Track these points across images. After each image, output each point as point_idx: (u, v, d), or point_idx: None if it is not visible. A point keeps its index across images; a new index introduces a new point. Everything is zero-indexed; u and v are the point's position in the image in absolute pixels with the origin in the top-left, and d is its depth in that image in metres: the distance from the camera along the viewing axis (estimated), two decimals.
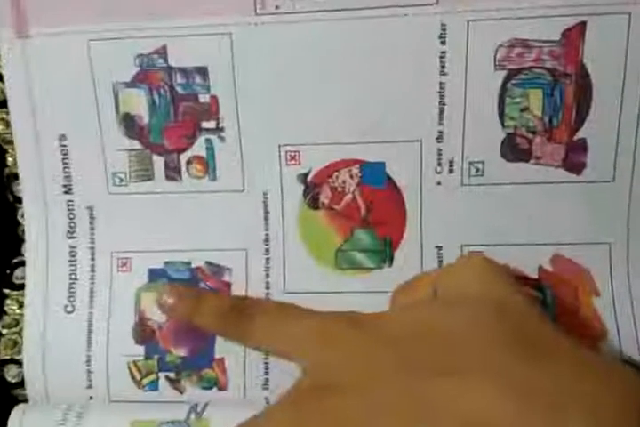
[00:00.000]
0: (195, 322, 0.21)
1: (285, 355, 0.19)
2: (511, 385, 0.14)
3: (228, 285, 0.23)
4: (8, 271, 0.24)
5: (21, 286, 0.24)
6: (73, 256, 0.24)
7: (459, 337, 0.17)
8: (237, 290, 0.23)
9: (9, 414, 0.22)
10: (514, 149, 0.22)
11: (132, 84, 0.22)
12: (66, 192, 0.24)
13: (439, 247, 0.23)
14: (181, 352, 0.23)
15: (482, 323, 0.17)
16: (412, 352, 0.16)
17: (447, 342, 0.17)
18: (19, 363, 0.24)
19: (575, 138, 0.22)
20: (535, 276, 0.22)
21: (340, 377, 0.17)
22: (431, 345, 0.17)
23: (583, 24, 0.21)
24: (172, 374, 0.23)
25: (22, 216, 0.24)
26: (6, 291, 0.24)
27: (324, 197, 0.23)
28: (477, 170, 0.22)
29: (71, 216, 0.24)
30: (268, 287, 0.23)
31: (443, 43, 0.21)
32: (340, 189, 0.23)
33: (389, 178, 0.23)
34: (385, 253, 0.23)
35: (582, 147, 0.22)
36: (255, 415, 0.17)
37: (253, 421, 0.17)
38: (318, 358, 0.18)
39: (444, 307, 0.18)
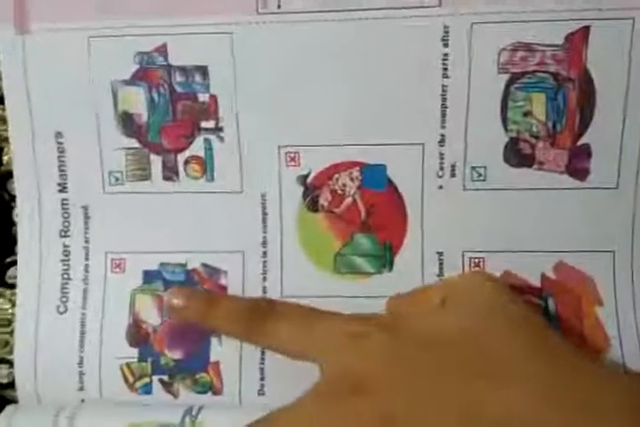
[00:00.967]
0: (207, 325, 0.21)
1: (308, 357, 0.19)
2: (539, 390, 0.16)
3: (224, 288, 0.23)
4: (1, 270, 0.24)
5: (14, 286, 0.23)
6: (66, 256, 0.23)
7: (484, 344, 0.18)
8: (233, 293, 0.23)
9: None
10: (517, 154, 0.22)
11: (131, 81, 0.22)
12: (61, 191, 0.23)
13: (440, 253, 0.22)
14: (176, 355, 0.23)
15: (503, 332, 0.18)
16: (445, 356, 0.17)
17: (474, 348, 0.17)
18: (10, 363, 0.23)
19: (579, 143, 0.21)
20: (538, 283, 0.22)
21: (372, 378, 0.17)
22: (461, 350, 0.17)
23: (587, 28, 0.21)
24: (165, 378, 0.23)
25: (17, 215, 0.24)
26: None
27: (324, 199, 0.23)
28: (479, 175, 0.22)
29: (65, 215, 0.23)
30: (264, 291, 0.23)
31: (445, 45, 0.21)
32: (340, 192, 0.23)
33: (390, 181, 0.22)
34: (385, 257, 0.23)
35: (586, 152, 0.21)
36: (278, 409, 0.17)
37: (277, 415, 0.17)
38: (349, 362, 0.18)
39: (464, 316, 0.19)
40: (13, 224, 0.24)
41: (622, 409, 0.15)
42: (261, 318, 0.20)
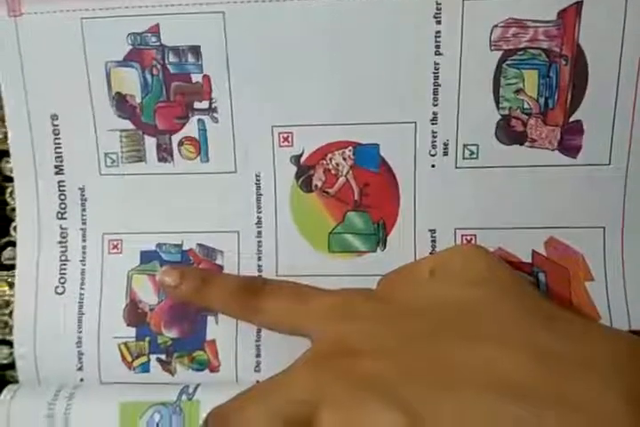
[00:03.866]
0: (202, 303, 0.22)
1: (301, 330, 0.20)
2: (536, 350, 0.16)
3: (220, 267, 0.23)
4: None
5: (11, 267, 0.24)
6: (64, 237, 0.24)
7: (479, 309, 0.18)
8: (229, 273, 0.23)
9: None
10: (509, 132, 0.22)
11: (124, 62, 0.22)
12: (57, 173, 0.23)
13: (433, 231, 0.23)
14: (173, 334, 0.23)
15: (496, 298, 0.18)
16: (437, 321, 0.17)
17: (469, 313, 0.18)
18: (9, 344, 0.24)
19: (571, 120, 0.21)
20: (529, 260, 0.22)
21: (365, 343, 0.17)
22: (455, 316, 0.18)
23: (579, 4, 0.20)
24: (163, 356, 0.23)
25: (11, 195, 0.24)
26: None
27: (318, 179, 0.23)
28: (472, 153, 0.22)
29: (62, 197, 0.23)
30: (260, 270, 0.23)
31: (438, 22, 0.21)
32: (333, 172, 0.23)
33: (383, 160, 0.22)
34: (378, 236, 0.23)
35: (578, 129, 0.22)
36: (271, 378, 0.17)
37: (269, 382, 0.17)
38: (340, 329, 0.18)
39: (455, 284, 0.19)
40: (7, 204, 0.24)
41: (620, 368, 0.15)
42: (255, 295, 0.20)
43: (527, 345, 0.16)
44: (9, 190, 0.24)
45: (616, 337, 0.17)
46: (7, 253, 0.24)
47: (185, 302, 0.23)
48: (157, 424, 0.21)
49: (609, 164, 0.22)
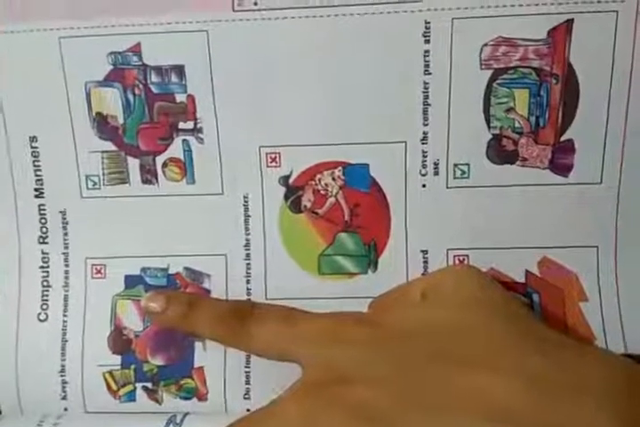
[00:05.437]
0: (188, 329, 0.21)
1: (290, 355, 0.19)
2: (528, 376, 0.16)
3: (208, 291, 0.23)
4: None
5: None
6: (46, 262, 0.23)
7: (471, 333, 0.17)
8: (217, 297, 0.22)
9: None
10: (500, 151, 0.21)
11: (105, 82, 0.22)
12: (37, 196, 0.23)
13: (424, 251, 0.22)
14: (159, 361, 0.22)
15: (488, 321, 0.18)
16: (428, 346, 0.17)
17: (461, 337, 0.17)
18: None
19: (562, 139, 0.21)
20: (522, 280, 0.22)
21: (356, 370, 0.17)
22: (447, 340, 0.17)
23: (569, 23, 0.20)
24: (149, 385, 0.22)
25: None
26: None
27: (307, 200, 0.22)
28: (463, 172, 0.22)
29: (43, 221, 0.23)
30: (249, 294, 0.23)
31: (427, 41, 0.21)
32: (322, 192, 0.22)
33: (374, 180, 0.22)
34: (369, 257, 0.22)
35: (569, 148, 0.21)
36: (261, 408, 0.17)
37: (260, 412, 0.17)
38: (330, 355, 0.18)
39: (447, 307, 0.19)
40: None
41: (613, 393, 0.15)
42: (243, 320, 0.20)
43: (519, 370, 0.16)
44: None
45: (610, 361, 0.17)
46: None
47: (171, 329, 0.22)
48: None
49: (601, 182, 0.21)
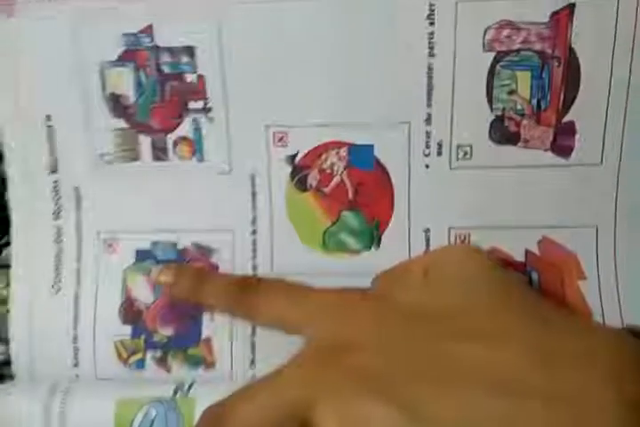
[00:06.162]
0: (198, 300, 0.22)
1: (296, 328, 0.20)
2: (530, 347, 0.16)
3: (215, 266, 0.23)
4: None
5: (9, 266, 0.24)
6: (59, 237, 0.24)
7: (473, 308, 0.18)
8: (224, 271, 0.23)
9: None
10: (502, 132, 0.22)
11: (118, 63, 0.22)
12: (52, 172, 0.23)
13: (427, 230, 0.23)
14: (168, 332, 0.23)
15: (490, 297, 0.18)
16: (434, 323, 0.18)
17: (464, 311, 0.18)
18: (6, 341, 0.24)
19: (563, 121, 0.22)
20: (522, 259, 0.22)
21: (362, 340, 0.17)
22: (450, 314, 0.18)
23: (572, 6, 0.21)
24: (158, 353, 0.23)
25: (9, 199, 0.24)
26: None
27: (313, 178, 0.23)
28: (465, 153, 0.22)
29: (57, 197, 0.24)
30: (255, 269, 0.23)
31: (431, 24, 0.21)
32: (328, 171, 0.23)
33: (377, 160, 0.22)
34: (372, 235, 0.23)
35: (570, 130, 0.22)
36: (266, 374, 0.18)
37: (265, 378, 0.18)
38: (336, 328, 0.18)
39: (450, 285, 0.19)
40: (5, 206, 0.24)
41: (604, 364, 0.15)
42: (250, 293, 0.21)
43: (524, 344, 0.16)
44: (7, 194, 0.24)
45: (610, 334, 0.17)
46: (7, 252, 0.24)
47: (182, 300, 0.23)
48: (153, 421, 0.21)
49: (601, 164, 0.22)
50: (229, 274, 0.23)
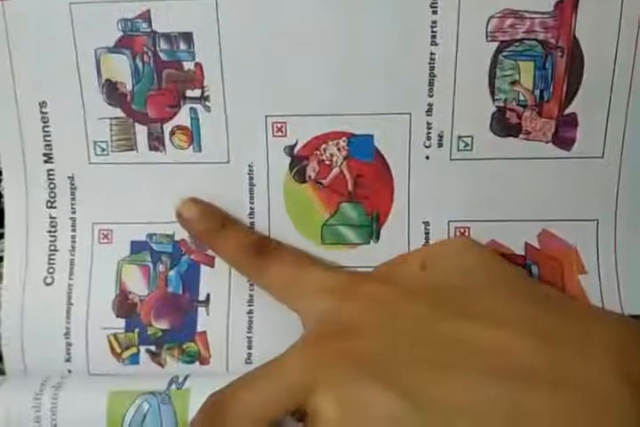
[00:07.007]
0: (209, 245, 0.22)
1: (294, 305, 0.20)
2: (533, 330, 0.16)
3: (212, 258, 0.23)
4: None
5: (2, 259, 0.23)
6: (53, 227, 0.23)
7: (475, 293, 0.18)
8: (221, 263, 0.23)
9: None
10: (503, 124, 0.22)
11: (115, 49, 0.22)
12: (46, 161, 0.23)
13: (426, 223, 0.22)
14: (163, 325, 0.23)
15: (491, 284, 0.18)
16: (435, 304, 0.18)
17: (465, 297, 0.18)
18: None
19: (566, 113, 0.21)
20: (522, 252, 0.22)
21: (362, 324, 0.17)
22: (451, 296, 0.18)
23: None
24: (152, 348, 0.23)
25: (3, 188, 0.23)
26: None
27: (311, 170, 0.23)
28: (466, 144, 0.22)
29: (52, 186, 0.23)
30: None
31: (434, 12, 0.21)
32: (327, 163, 0.22)
33: (377, 151, 0.22)
34: (371, 228, 0.23)
35: (573, 122, 0.21)
36: (268, 361, 0.17)
37: (264, 365, 0.17)
38: (338, 309, 0.18)
39: (447, 275, 0.19)
40: (1, 196, 0.23)
41: (607, 347, 0.15)
42: (262, 256, 0.21)
43: (528, 328, 0.16)
44: (2, 183, 0.23)
45: (617, 320, 0.17)
46: (1, 244, 0.24)
47: (175, 295, 0.22)
48: (145, 414, 0.21)
49: (602, 157, 0.22)
50: (251, 231, 0.22)
